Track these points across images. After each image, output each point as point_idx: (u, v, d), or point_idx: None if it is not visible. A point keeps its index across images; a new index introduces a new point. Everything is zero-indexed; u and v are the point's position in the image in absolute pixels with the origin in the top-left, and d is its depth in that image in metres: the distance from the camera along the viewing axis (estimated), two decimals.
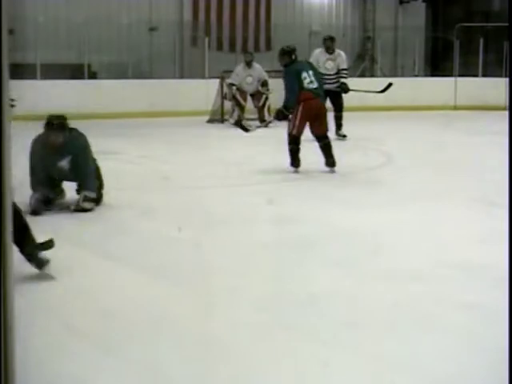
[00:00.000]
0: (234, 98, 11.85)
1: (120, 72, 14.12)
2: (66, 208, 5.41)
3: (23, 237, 3.71)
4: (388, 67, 17.53)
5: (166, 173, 7.01)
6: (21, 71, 11.28)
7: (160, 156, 8.45)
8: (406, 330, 3.08)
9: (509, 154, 1.92)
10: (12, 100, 5.97)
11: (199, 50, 15.17)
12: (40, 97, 10.98)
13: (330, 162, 7.10)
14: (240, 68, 11.86)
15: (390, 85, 10.15)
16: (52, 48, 13.30)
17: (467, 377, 2.64)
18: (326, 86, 9.79)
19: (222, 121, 12.20)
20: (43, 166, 5.36)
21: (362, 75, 16.93)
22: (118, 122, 11.63)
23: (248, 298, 3.47)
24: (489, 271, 3.77)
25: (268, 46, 16.38)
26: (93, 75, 13.89)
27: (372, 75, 17.20)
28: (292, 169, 7.12)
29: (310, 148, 7.15)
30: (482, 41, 15.45)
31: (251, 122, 10.06)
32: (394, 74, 17.26)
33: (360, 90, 9.93)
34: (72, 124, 5.39)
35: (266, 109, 11.56)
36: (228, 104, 12.15)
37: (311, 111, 6.99)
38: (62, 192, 5.62)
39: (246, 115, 11.57)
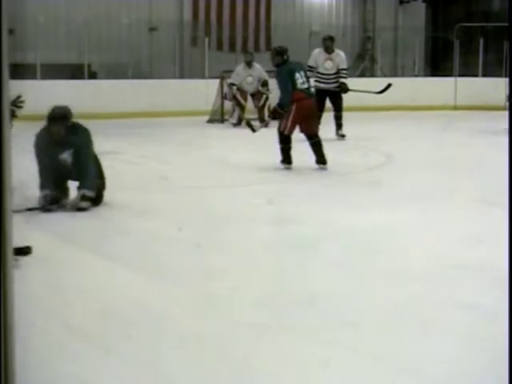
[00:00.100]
0: (234, 97, 11.85)
1: (120, 72, 14.11)
2: (66, 208, 5.41)
3: None
4: (388, 67, 17.53)
5: (166, 173, 7.01)
6: (21, 71, 11.28)
7: (160, 156, 8.45)
8: (406, 330, 3.08)
9: (509, 154, 1.92)
10: (20, 101, 6.01)
11: (199, 50, 15.17)
12: (40, 97, 11.00)
13: (321, 160, 7.28)
14: (240, 68, 11.86)
15: (389, 85, 10.16)
16: (52, 48, 13.30)
17: (467, 377, 2.64)
18: (326, 86, 9.86)
19: (222, 121, 12.20)
20: (47, 160, 5.36)
21: (362, 75, 16.93)
22: (117, 122, 11.63)
23: (248, 298, 3.46)
24: (489, 271, 3.76)
25: (268, 46, 16.36)
26: (93, 75, 13.89)
27: (372, 75, 17.20)
28: (282, 166, 7.28)
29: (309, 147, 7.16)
30: (482, 41, 15.45)
31: (253, 122, 10.06)
32: (393, 73, 17.26)
33: (359, 90, 9.93)
34: None
35: (266, 109, 11.56)
36: (228, 104, 12.16)
37: (303, 111, 7.17)
38: (67, 191, 5.60)
39: (246, 115, 11.57)
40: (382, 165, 7.87)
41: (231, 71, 12.06)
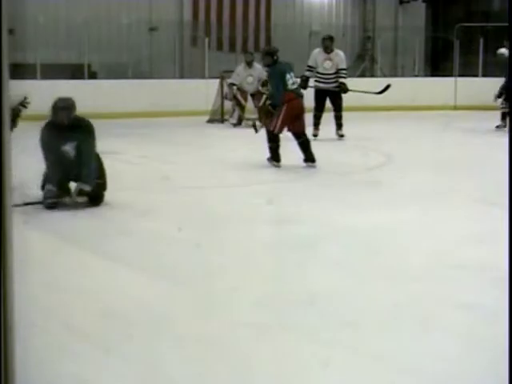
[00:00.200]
0: (234, 97, 11.85)
1: (120, 72, 14.12)
2: (66, 207, 5.41)
3: None
4: (388, 67, 17.54)
5: (166, 173, 7.01)
6: (21, 71, 11.28)
7: (160, 156, 8.45)
8: (406, 330, 3.08)
9: (509, 153, 1.92)
10: (26, 101, 6.00)
11: (199, 50, 15.17)
12: (40, 97, 10.99)
13: (310, 158, 7.41)
14: (241, 68, 11.87)
15: (388, 86, 10.18)
16: (52, 48, 13.30)
17: (467, 377, 2.64)
18: (325, 86, 9.86)
19: (222, 121, 12.20)
20: (53, 154, 5.36)
21: (362, 75, 16.93)
22: (118, 122, 11.63)
23: (248, 298, 3.46)
24: (489, 271, 3.76)
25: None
26: (93, 75, 13.89)
27: (372, 75, 17.20)
28: (270, 163, 7.43)
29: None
30: (482, 41, 15.46)
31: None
32: (394, 74, 17.27)
33: (359, 90, 9.94)
34: None
35: None
36: (228, 104, 12.16)
37: (293, 111, 7.35)
38: (69, 190, 5.59)
39: (247, 115, 11.57)
40: (382, 165, 7.87)
41: (231, 71, 12.06)
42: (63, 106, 5.35)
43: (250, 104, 11.87)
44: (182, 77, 14.94)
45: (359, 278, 3.80)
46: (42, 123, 5.50)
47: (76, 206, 5.46)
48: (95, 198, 5.48)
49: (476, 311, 3.25)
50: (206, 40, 14.74)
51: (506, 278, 1.94)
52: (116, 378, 2.63)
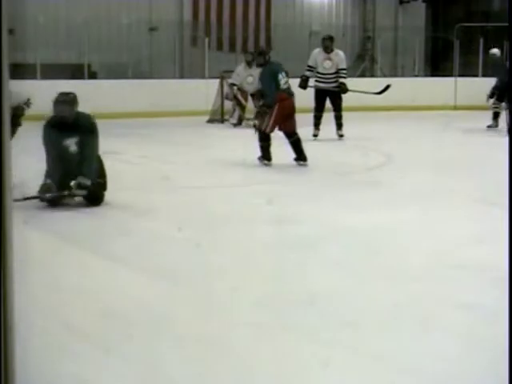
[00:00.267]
0: (235, 98, 11.85)
1: (120, 72, 14.12)
2: (66, 207, 5.41)
3: None
4: (388, 67, 17.54)
5: (166, 173, 7.00)
6: (21, 71, 11.28)
7: (160, 156, 8.45)
8: (406, 329, 3.08)
9: (509, 153, 1.92)
10: (29, 101, 5.99)
11: (199, 50, 15.18)
12: (40, 97, 10.99)
13: (301, 157, 7.51)
14: (241, 68, 11.87)
15: (387, 87, 10.20)
16: (52, 48, 13.30)
17: (467, 377, 2.64)
18: (325, 86, 9.85)
19: (222, 121, 12.19)
20: (54, 150, 5.36)
21: (362, 75, 16.93)
22: (118, 122, 11.63)
23: (248, 298, 3.46)
24: (489, 271, 3.76)
25: (268, 46, 16.36)
26: (93, 75, 13.89)
27: (372, 75, 17.21)
28: (261, 162, 7.51)
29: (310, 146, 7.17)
30: (481, 41, 15.46)
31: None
32: (394, 74, 17.27)
33: (358, 90, 9.95)
34: None
35: None
36: (228, 104, 12.16)
37: (285, 111, 7.47)
38: (69, 187, 5.57)
39: (247, 115, 11.57)
40: (382, 165, 7.87)
41: (231, 71, 12.06)
42: (64, 100, 5.37)
43: (250, 104, 11.87)
44: (182, 77, 14.94)
45: (359, 278, 3.80)
46: (43, 123, 5.50)
47: (76, 205, 5.47)
48: (95, 198, 5.48)
49: (476, 311, 3.25)
50: (206, 40, 14.74)
51: (506, 278, 1.95)
52: (116, 378, 2.63)
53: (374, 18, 18.16)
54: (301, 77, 9.93)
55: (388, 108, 13.56)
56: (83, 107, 5.61)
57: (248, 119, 11.11)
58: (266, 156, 7.54)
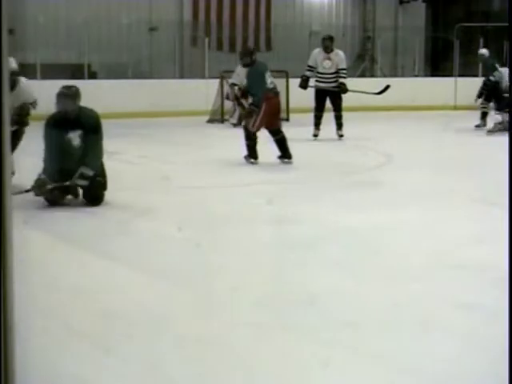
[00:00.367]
0: (236, 98, 11.83)
1: (120, 72, 14.12)
2: (66, 207, 5.42)
3: None
4: (388, 67, 17.54)
5: (166, 173, 7.01)
6: (21, 71, 11.27)
7: (160, 156, 8.45)
8: (406, 329, 3.08)
9: (509, 153, 1.92)
10: (35, 102, 6.01)
11: (199, 50, 15.18)
12: (40, 97, 11.00)
13: (286, 155, 7.62)
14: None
15: (387, 87, 10.20)
16: (52, 48, 13.31)
17: (467, 377, 2.64)
18: (325, 86, 9.85)
19: (222, 121, 12.20)
20: (53, 146, 5.36)
21: (362, 75, 16.94)
22: (118, 122, 11.62)
23: (248, 298, 3.46)
24: (489, 271, 3.76)
25: (268, 46, 16.39)
26: (93, 75, 13.90)
27: (372, 75, 17.21)
28: (247, 161, 7.63)
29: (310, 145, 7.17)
30: (481, 41, 15.45)
31: None
32: (394, 74, 17.28)
33: (358, 90, 9.95)
34: None
35: None
36: (228, 104, 12.15)
37: (271, 109, 7.63)
38: (73, 189, 5.56)
39: None
40: (382, 165, 7.88)
41: (231, 71, 12.04)
42: (67, 94, 5.38)
43: None
44: (182, 77, 14.95)
45: (359, 278, 3.80)
46: (41, 124, 5.49)
47: (76, 205, 5.47)
48: (95, 197, 5.48)
49: (476, 311, 3.25)
50: (206, 40, 14.75)
51: (506, 277, 1.94)
52: (116, 378, 2.63)
53: (374, 18, 18.17)
54: (301, 77, 9.94)
55: (388, 108, 13.56)
56: None
57: None
58: (252, 154, 7.66)
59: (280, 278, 3.82)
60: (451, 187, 6.36)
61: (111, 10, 14.72)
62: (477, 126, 11.34)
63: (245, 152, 7.67)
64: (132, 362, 2.75)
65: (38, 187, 5.31)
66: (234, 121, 11.83)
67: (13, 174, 5.69)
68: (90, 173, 5.38)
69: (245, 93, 8.31)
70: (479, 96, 11.54)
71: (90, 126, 5.40)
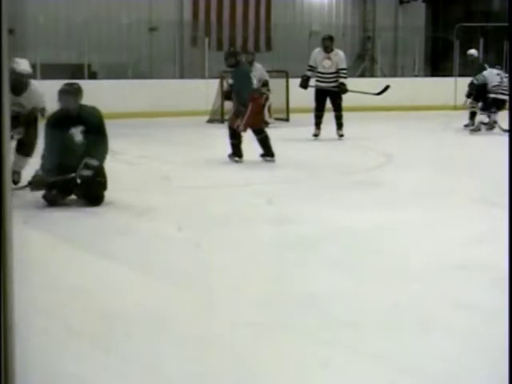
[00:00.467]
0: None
1: (120, 72, 14.12)
2: (66, 207, 5.41)
3: None
4: (388, 67, 17.54)
5: (166, 173, 7.01)
6: None
7: (160, 156, 8.45)
8: (406, 329, 3.08)
9: (509, 153, 1.92)
10: (43, 110, 6.01)
11: (199, 50, 15.18)
12: None
13: (269, 153, 7.75)
14: None
15: (387, 87, 10.21)
16: (52, 48, 13.31)
17: (467, 377, 2.64)
18: (325, 85, 9.86)
19: (222, 121, 12.18)
20: (53, 140, 5.36)
21: (362, 75, 16.94)
22: (117, 122, 11.60)
23: (248, 298, 3.46)
24: (489, 271, 3.76)
25: (268, 46, 16.39)
26: (93, 75, 13.90)
27: (372, 75, 17.21)
28: (231, 160, 7.75)
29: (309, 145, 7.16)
30: (481, 41, 15.46)
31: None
32: (394, 74, 17.28)
33: (358, 91, 9.96)
34: None
35: (266, 109, 11.56)
36: (228, 104, 12.14)
37: (257, 109, 7.86)
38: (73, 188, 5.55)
39: None
40: (382, 165, 7.87)
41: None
42: (68, 90, 5.40)
43: None
44: (182, 77, 14.95)
45: (359, 278, 3.80)
46: (41, 124, 5.50)
47: (76, 205, 5.47)
48: (95, 198, 5.48)
49: (476, 311, 3.25)
50: (206, 40, 14.75)
51: (506, 277, 1.94)
52: (116, 378, 2.63)
53: (374, 18, 18.17)
54: (302, 77, 9.94)
55: (388, 108, 13.56)
56: None
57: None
58: (236, 153, 7.78)
59: (280, 278, 3.82)
60: (451, 187, 6.36)
61: (111, 10, 14.72)
62: (465, 126, 11.45)
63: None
64: (132, 362, 2.75)
65: (35, 183, 5.33)
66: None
67: (17, 182, 5.71)
68: (95, 163, 5.38)
69: (229, 93, 8.48)
70: (468, 96, 11.76)
71: (93, 123, 5.41)
